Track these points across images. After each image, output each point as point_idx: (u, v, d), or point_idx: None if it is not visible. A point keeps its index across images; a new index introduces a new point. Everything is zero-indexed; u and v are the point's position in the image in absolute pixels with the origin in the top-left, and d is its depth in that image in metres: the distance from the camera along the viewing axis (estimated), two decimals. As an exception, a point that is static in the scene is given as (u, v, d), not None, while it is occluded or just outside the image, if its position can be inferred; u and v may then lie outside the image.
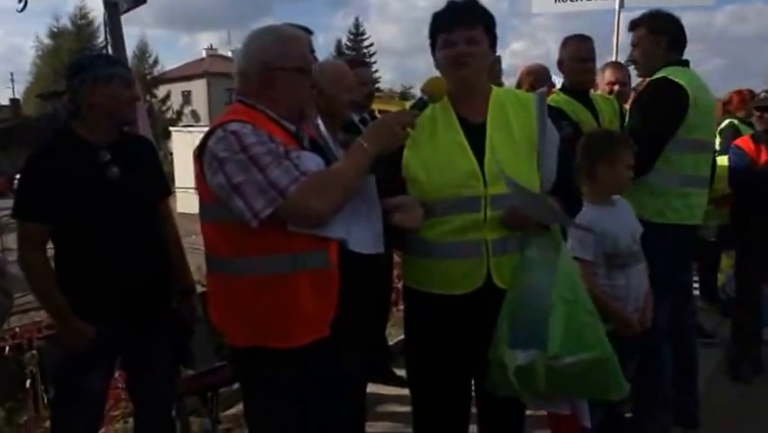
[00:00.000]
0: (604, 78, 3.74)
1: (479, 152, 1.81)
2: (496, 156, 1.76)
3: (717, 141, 4.90)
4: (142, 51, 32.99)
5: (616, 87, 3.66)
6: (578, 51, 3.10)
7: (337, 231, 1.63)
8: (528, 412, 2.04)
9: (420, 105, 1.76)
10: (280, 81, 1.68)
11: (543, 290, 1.74)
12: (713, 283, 4.89)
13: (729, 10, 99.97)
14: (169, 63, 39.49)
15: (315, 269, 1.65)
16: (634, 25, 2.90)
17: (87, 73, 2.07)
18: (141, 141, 2.42)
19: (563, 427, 2.06)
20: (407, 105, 1.86)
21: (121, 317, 2.10)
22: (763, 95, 3.66)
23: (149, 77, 32.48)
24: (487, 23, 1.84)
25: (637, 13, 3.07)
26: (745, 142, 3.65)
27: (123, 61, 2.60)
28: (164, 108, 32.87)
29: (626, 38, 3.28)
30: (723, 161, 3.85)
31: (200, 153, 1.64)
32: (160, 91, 33.31)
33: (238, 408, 3.42)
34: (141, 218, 2.15)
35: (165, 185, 2.41)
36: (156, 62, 34.34)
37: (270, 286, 1.62)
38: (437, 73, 1.86)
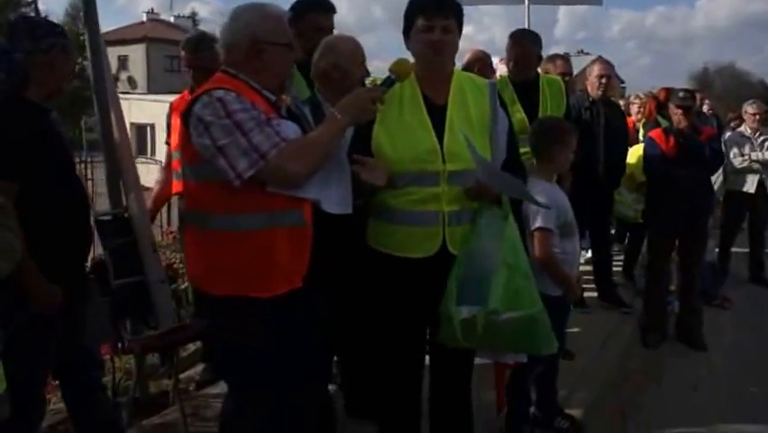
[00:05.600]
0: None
1: (439, 130, 2.00)
2: (464, 135, 1.94)
3: (641, 133, 5.40)
4: (76, 10, 30.95)
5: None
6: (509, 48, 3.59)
7: (312, 192, 1.79)
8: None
9: (388, 83, 1.93)
10: (268, 55, 1.82)
11: (490, 254, 1.96)
12: (634, 263, 5.37)
13: (659, 11, 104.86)
14: (104, 25, 37.21)
15: (292, 226, 1.81)
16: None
17: (59, 39, 2.14)
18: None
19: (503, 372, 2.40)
20: (377, 81, 2.04)
21: (68, 279, 2.14)
22: (681, 94, 4.06)
23: (82, 37, 30.53)
24: (458, 14, 2.03)
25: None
26: (657, 134, 4.14)
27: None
28: (99, 72, 31.15)
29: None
30: (639, 150, 4.35)
31: (186, 117, 1.76)
32: (95, 54, 31.52)
33: (195, 369, 3.56)
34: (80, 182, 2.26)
35: None
36: (91, 23, 32.35)
37: (251, 240, 1.76)
38: (392, 55, 2.05)
